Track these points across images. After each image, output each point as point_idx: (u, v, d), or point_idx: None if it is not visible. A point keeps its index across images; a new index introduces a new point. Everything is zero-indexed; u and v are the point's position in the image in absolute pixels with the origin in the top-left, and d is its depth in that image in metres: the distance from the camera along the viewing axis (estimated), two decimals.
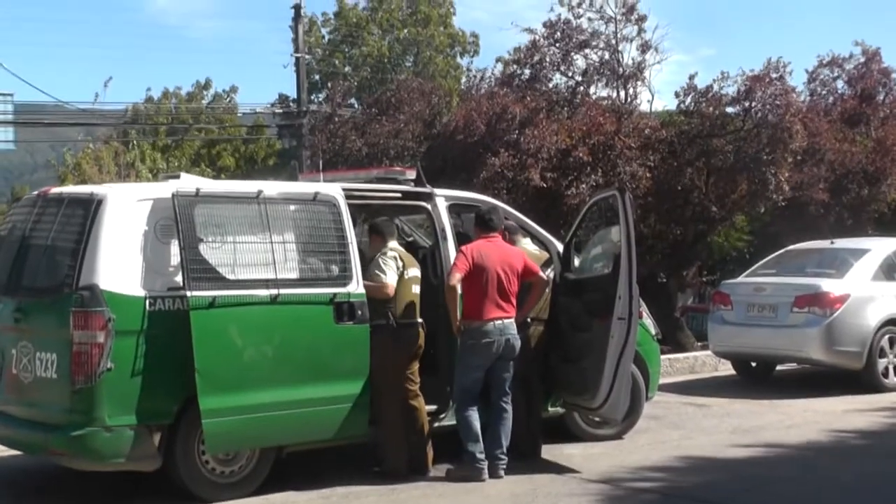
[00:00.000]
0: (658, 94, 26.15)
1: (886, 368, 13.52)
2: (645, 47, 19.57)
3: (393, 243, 9.00)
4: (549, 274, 9.69)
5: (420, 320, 8.85)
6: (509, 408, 8.96)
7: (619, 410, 9.22)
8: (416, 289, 8.88)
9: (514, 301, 8.92)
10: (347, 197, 8.86)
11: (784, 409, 12.21)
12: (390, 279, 8.69)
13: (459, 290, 8.69)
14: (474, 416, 8.81)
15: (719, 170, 18.02)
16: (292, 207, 8.58)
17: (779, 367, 15.09)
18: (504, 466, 8.86)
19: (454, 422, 8.99)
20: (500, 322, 8.77)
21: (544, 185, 16.48)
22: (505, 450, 8.89)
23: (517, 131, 16.94)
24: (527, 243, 9.93)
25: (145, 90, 36.75)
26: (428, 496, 8.32)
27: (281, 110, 33.27)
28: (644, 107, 20.05)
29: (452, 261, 9.08)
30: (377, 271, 8.73)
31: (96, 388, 7.47)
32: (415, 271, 8.94)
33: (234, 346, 7.89)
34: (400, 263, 8.81)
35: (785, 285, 13.89)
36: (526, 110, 17.19)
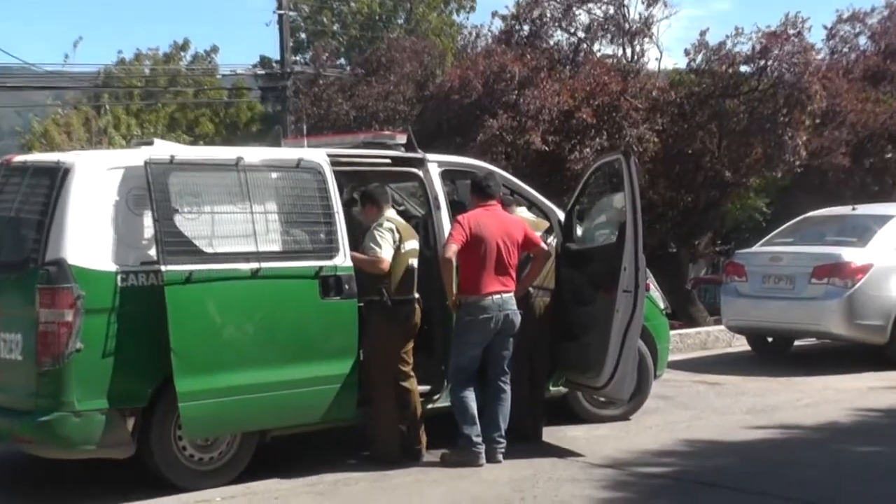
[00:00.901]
0: (667, 52, 26.18)
1: None
2: (653, 1, 19.50)
3: (390, 213, 8.95)
4: (550, 241, 9.66)
5: (417, 296, 8.83)
6: (508, 388, 8.95)
7: (625, 390, 9.22)
8: (414, 262, 8.84)
9: (513, 274, 8.90)
10: (333, 163, 8.82)
11: (802, 388, 12.22)
12: (386, 253, 8.64)
13: (455, 263, 8.66)
14: (471, 397, 8.81)
15: (732, 133, 18.01)
16: (274, 175, 8.55)
17: (796, 343, 15.11)
18: (502, 450, 8.86)
19: (449, 403, 8.99)
20: (498, 297, 8.75)
21: (545, 149, 16.48)
22: (503, 432, 8.89)
23: (516, 91, 16.93)
24: (523, 212, 9.90)
25: (116, 52, 36.30)
26: (421, 482, 8.32)
27: (263, 72, 33.14)
28: (652, 65, 20.03)
29: (447, 231, 9.05)
30: (372, 244, 8.69)
31: (64, 371, 7.44)
32: (413, 244, 8.89)
33: (212, 324, 7.87)
34: (397, 236, 8.75)
35: (803, 255, 13.88)
36: (526, 69, 17.16)
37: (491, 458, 8.78)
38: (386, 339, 8.67)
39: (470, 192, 9.23)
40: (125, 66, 35.34)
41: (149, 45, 40.96)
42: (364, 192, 9.21)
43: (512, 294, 8.86)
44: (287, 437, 8.75)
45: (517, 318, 8.87)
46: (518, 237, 8.93)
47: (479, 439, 8.76)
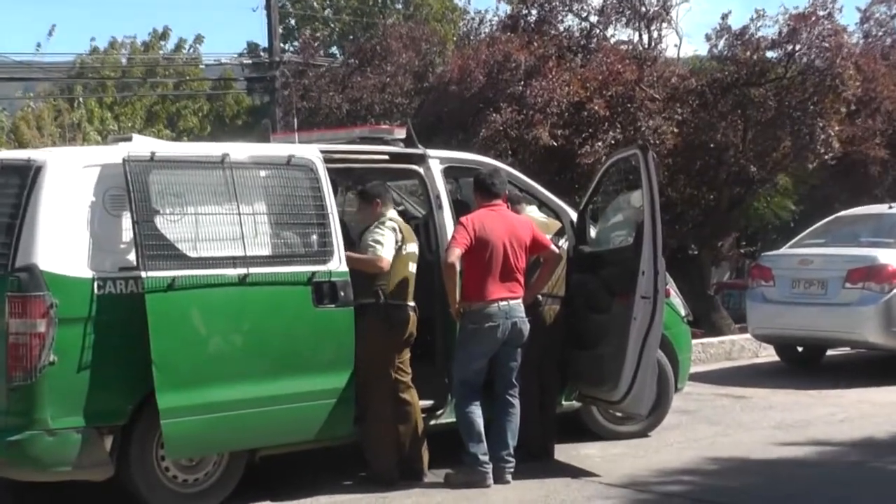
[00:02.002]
0: (687, 38, 26.17)
1: None
2: None
3: (392, 213, 8.99)
4: (562, 244, 9.67)
5: (412, 303, 8.84)
6: (517, 402, 8.96)
7: (643, 404, 9.22)
8: (413, 267, 8.87)
9: (521, 279, 8.91)
10: (326, 160, 8.82)
11: (835, 401, 12.23)
12: (386, 253, 8.67)
13: (459, 268, 8.66)
14: (477, 413, 8.82)
15: (758, 124, 18.00)
16: (263, 173, 8.55)
17: (829, 353, 15.11)
18: (511, 469, 8.87)
19: (453, 419, 9.00)
20: (505, 304, 8.76)
21: (554, 144, 16.46)
22: (512, 450, 8.90)
23: (522, 82, 16.91)
24: (532, 211, 9.91)
25: (90, 40, 36.09)
26: None
27: (250, 61, 33.13)
28: (670, 52, 20.03)
29: (450, 233, 9.06)
30: (372, 241, 8.70)
31: (37, 386, 7.43)
32: (413, 247, 8.93)
33: (197, 334, 7.87)
34: (399, 236, 8.79)
35: (836, 257, 13.90)
36: (532, 58, 17.16)
37: (499, 479, 8.79)
38: (381, 346, 8.67)
39: (473, 190, 9.24)
40: (99, 55, 35.29)
41: (128, 32, 40.79)
42: (363, 190, 9.18)
43: (520, 301, 8.86)
44: (278, 456, 8.75)
45: (526, 327, 8.88)
46: (526, 239, 8.93)
47: (486, 458, 8.76)
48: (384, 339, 8.68)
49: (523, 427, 9.03)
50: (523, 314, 8.87)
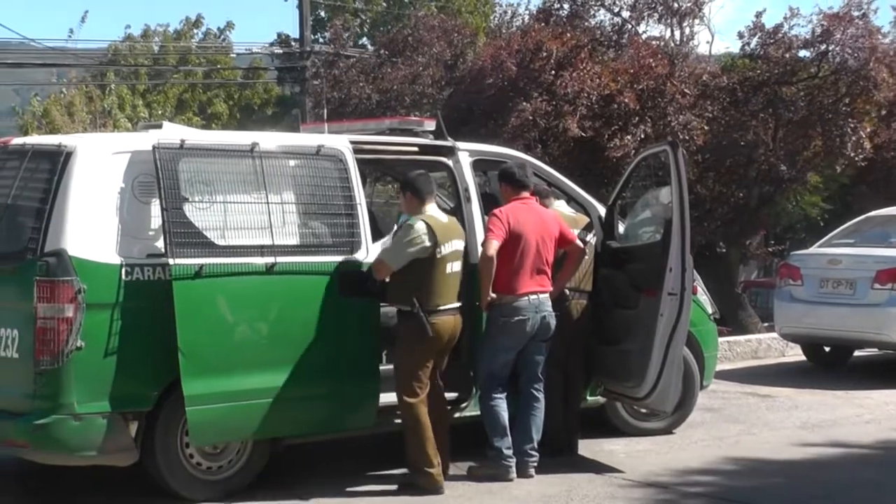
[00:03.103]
0: (719, 35, 26.05)
1: None
2: None
3: (430, 208, 8.57)
4: (590, 239, 9.65)
5: (453, 305, 8.51)
6: (542, 396, 8.95)
7: (668, 401, 9.20)
8: (454, 267, 8.48)
9: (549, 273, 8.90)
10: (356, 151, 8.80)
11: (862, 402, 12.17)
12: (389, 258, 8.39)
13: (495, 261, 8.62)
14: (502, 406, 8.80)
15: (789, 123, 17.93)
16: (292, 163, 8.55)
17: (856, 353, 15.03)
18: (535, 464, 8.86)
19: (478, 412, 8.98)
20: (535, 297, 8.74)
21: (583, 136, 16.42)
22: (536, 445, 8.89)
23: (553, 72, 16.87)
24: (561, 205, 9.88)
25: (124, 28, 36.16)
26: (446, 498, 8.32)
27: (281, 51, 33.18)
28: (702, 49, 19.97)
29: (478, 226, 9.04)
30: (380, 244, 8.62)
31: (63, 370, 7.46)
32: (453, 246, 8.49)
33: (223, 322, 7.89)
34: (425, 238, 8.31)
35: (865, 257, 13.82)
36: (564, 48, 17.10)
37: (522, 473, 8.77)
38: (418, 356, 8.40)
39: (500, 183, 9.20)
40: (133, 42, 35.43)
41: (161, 20, 40.84)
42: (405, 180, 8.82)
43: (548, 294, 8.85)
44: (303, 445, 8.77)
45: (553, 321, 8.86)
46: (555, 233, 8.92)
47: (510, 452, 8.75)
48: (420, 346, 8.39)
49: (547, 422, 9.01)
50: (551, 308, 8.86)
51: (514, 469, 8.74)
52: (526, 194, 8.98)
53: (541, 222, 8.86)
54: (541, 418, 8.94)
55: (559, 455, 9.26)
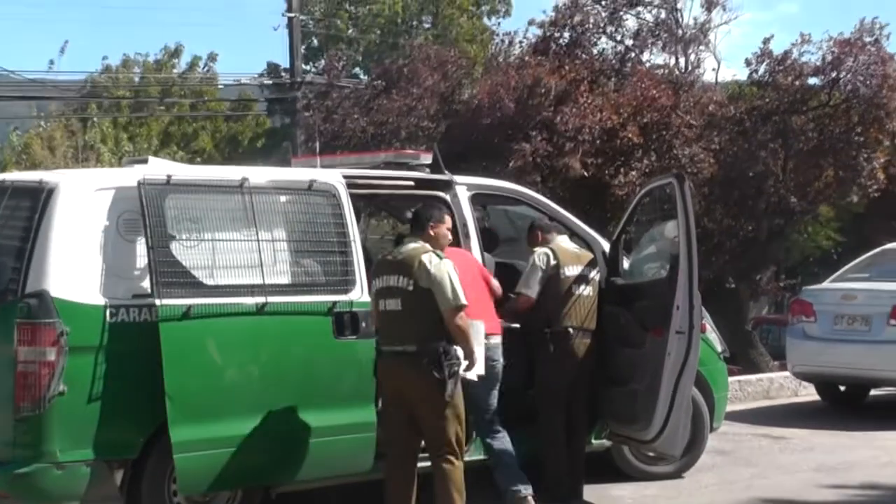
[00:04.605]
0: (725, 62, 26.12)
1: None
2: (710, 4, 19.53)
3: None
4: (593, 276, 9.66)
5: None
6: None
7: (677, 444, 9.20)
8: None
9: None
10: (350, 185, 8.83)
11: (880, 444, 12.16)
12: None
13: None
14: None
15: (800, 153, 18.00)
16: (283, 198, 8.58)
17: (873, 392, 15.02)
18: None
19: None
20: None
21: (585, 175, 16.45)
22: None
23: (552, 108, 16.91)
24: (564, 241, 9.89)
25: (101, 59, 35.97)
26: None
27: (270, 81, 33.22)
28: (708, 77, 20.05)
29: (484, 263, 9.29)
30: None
31: (45, 417, 7.44)
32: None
33: (212, 365, 7.89)
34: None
35: (881, 292, 13.83)
36: (563, 82, 17.15)
37: None
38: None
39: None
40: (111, 73, 35.44)
41: (141, 49, 40.74)
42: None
43: None
44: (295, 493, 8.75)
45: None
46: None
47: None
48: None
49: (551, 467, 9.02)
50: None
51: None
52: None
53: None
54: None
55: (563, 502, 9.23)
